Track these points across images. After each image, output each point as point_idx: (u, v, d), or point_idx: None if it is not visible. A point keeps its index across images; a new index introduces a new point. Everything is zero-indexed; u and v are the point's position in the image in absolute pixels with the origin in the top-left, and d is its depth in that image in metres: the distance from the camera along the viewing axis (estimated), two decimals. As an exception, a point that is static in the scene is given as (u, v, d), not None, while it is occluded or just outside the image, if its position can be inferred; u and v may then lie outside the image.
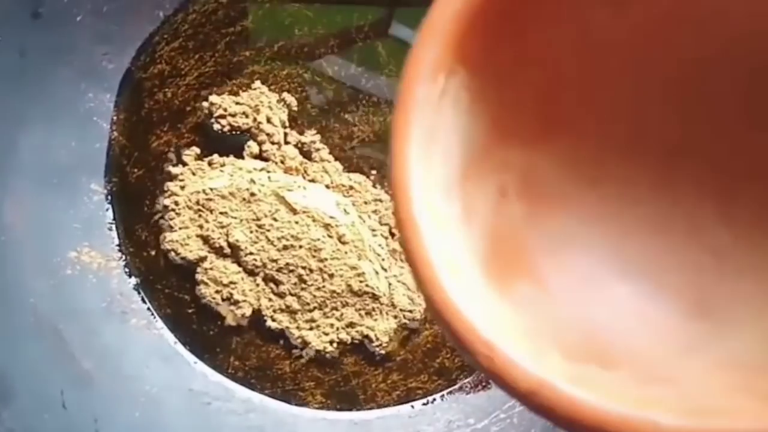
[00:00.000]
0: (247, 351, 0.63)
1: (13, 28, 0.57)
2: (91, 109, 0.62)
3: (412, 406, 0.64)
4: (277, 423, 0.62)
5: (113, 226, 0.63)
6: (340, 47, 0.64)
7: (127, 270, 0.63)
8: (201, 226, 0.60)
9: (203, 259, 0.61)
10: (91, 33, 0.61)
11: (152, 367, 0.61)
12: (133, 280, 0.63)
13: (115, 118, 0.63)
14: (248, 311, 0.61)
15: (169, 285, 0.63)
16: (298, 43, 0.64)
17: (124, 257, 0.63)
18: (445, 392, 0.64)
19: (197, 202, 0.60)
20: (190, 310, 0.63)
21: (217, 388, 0.62)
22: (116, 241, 0.63)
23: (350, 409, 0.63)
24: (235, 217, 0.60)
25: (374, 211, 0.63)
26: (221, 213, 0.60)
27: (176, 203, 0.61)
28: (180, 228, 0.61)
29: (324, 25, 0.64)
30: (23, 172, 0.59)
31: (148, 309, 0.62)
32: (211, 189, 0.60)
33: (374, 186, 0.64)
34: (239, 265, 0.61)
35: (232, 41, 0.64)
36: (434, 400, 0.64)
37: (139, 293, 0.63)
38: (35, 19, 0.58)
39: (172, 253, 0.61)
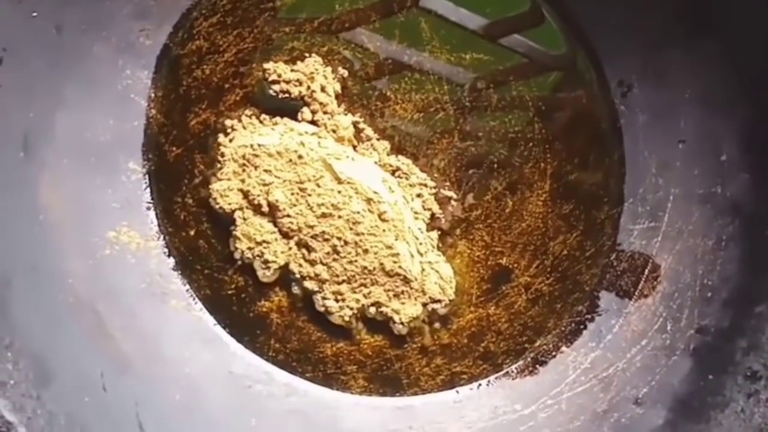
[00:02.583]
0: (287, 333, 0.62)
1: (49, 4, 0.56)
2: (129, 86, 0.61)
3: (457, 392, 0.62)
4: (319, 407, 0.61)
5: (151, 206, 0.62)
6: (381, 23, 0.63)
7: (166, 250, 0.62)
8: (243, 181, 0.59)
9: (240, 213, 0.60)
10: (128, 8, 0.60)
11: (192, 350, 0.60)
12: (172, 261, 0.62)
13: (152, 95, 0.62)
14: (276, 273, 0.60)
15: (208, 266, 0.62)
16: (339, 18, 0.62)
17: (163, 237, 0.62)
18: (491, 377, 0.62)
19: (243, 156, 0.59)
20: (229, 292, 0.62)
21: (258, 372, 0.61)
22: (155, 221, 0.62)
23: (393, 395, 0.62)
24: (279, 177, 0.59)
25: (418, 195, 0.62)
26: (265, 170, 0.59)
27: (222, 154, 0.60)
28: (222, 179, 0.60)
29: (367, 14, 0.62)
30: (60, 150, 0.58)
31: (188, 290, 0.62)
32: (260, 145, 0.59)
33: (422, 171, 0.62)
34: (275, 225, 0.60)
35: (271, 17, 0.62)
36: (479, 385, 0.62)
37: (178, 274, 0.62)
38: (72, -7, 0.57)
39: (212, 201, 0.60)
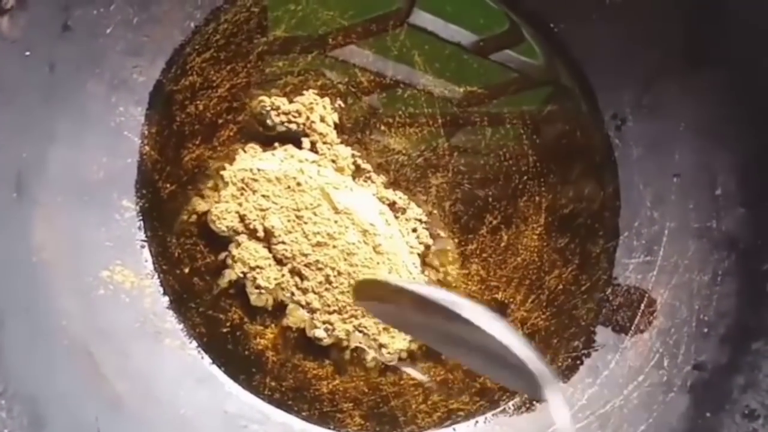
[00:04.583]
0: (283, 371, 0.61)
1: (42, 41, 0.55)
2: (122, 123, 0.61)
3: (454, 429, 0.62)
4: (316, 447, 0.61)
5: (145, 244, 0.61)
6: (375, 57, 0.62)
7: (160, 289, 0.61)
8: (241, 204, 0.59)
9: (236, 236, 0.60)
10: (121, 45, 0.59)
11: (187, 389, 0.60)
12: (166, 299, 0.61)
13: (146, 132, 0.61)
14: (269, 299, 0.60)
15: (203, 304, 0.61)
16: (333, 52, 0.62)
17: (157, 275, 0.61)
18: (488, 414, 0.62)
19: (242, 180, 0.59)
20: (224, 330, 0.61)
21: (253, 411, 0.61)
22: (149, 259, 0.61)
23: (390, 432, 0.62)
24: (276, 203, 0.59)
25: (414, 230, 0.62)
26: (263, 196, 0.59)
27: (221, 177, 0.60)
28: (221, 201, 0.60)
29: (359, 34, 0.62)
30: (53, 188, 0.58)
31: (182, 329, 0.61)
32: (259, 170, 0.59)
33: (418, 206, 0.62)
34: (270, 251, 0.59)
35: (265, 51, 0.62)
36: (476, 422, 0.62)
37: (172, 313, 0.61)
38: (65, 31, 0.56)
39: (210, 222, 0.60)
